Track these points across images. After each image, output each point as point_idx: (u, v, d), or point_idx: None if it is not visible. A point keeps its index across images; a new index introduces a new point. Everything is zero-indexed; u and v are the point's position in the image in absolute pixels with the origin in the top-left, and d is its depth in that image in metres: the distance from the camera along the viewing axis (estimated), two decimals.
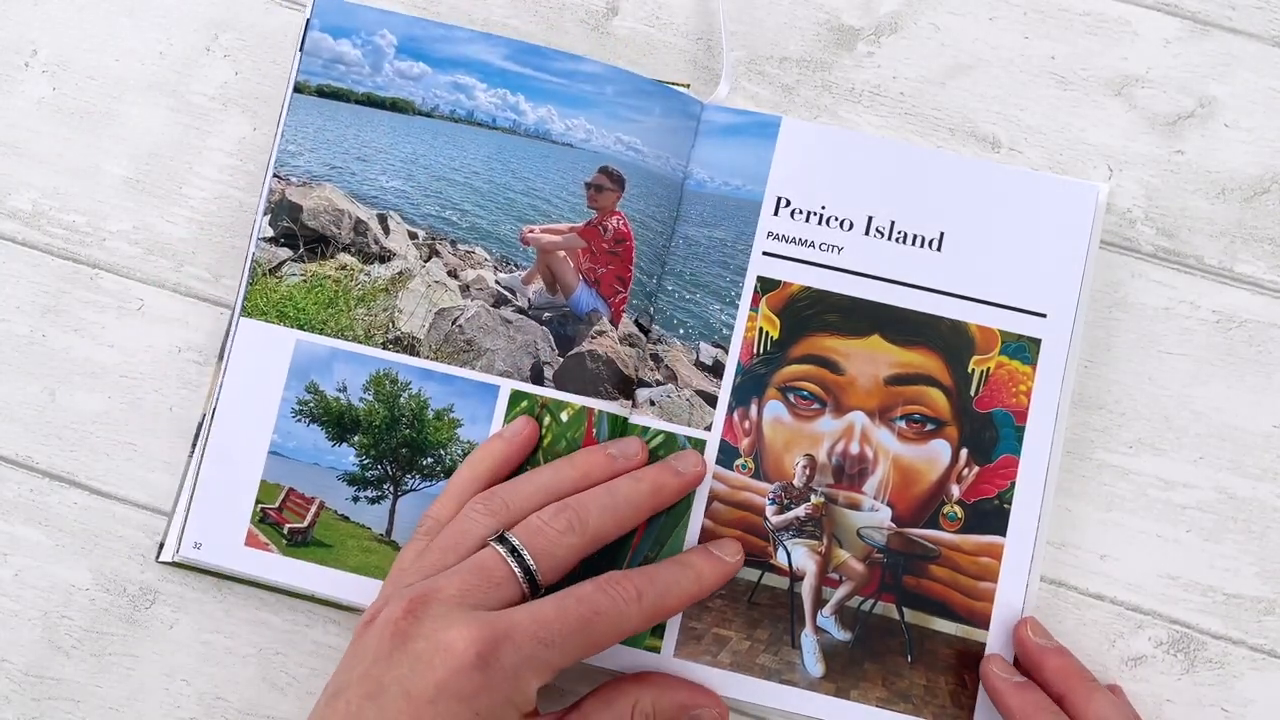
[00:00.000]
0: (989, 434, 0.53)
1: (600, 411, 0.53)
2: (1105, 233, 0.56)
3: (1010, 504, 0.52)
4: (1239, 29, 0.57)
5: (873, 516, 0.52)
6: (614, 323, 0.54)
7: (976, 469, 0.53)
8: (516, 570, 0.45)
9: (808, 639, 0.51)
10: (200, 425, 0.54)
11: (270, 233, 0.55)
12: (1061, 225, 0.54)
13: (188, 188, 0.57)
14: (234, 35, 0.58)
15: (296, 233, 0.55)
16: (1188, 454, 0.54)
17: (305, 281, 0.54)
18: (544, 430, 0.52)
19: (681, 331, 0.54)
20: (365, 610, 0.47)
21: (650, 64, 0.58)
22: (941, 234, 0.54)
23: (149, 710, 0.53)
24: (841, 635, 0.51)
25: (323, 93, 0.55)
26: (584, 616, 0.44)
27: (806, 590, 0.52)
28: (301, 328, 0.54)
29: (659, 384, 0.53)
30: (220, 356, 0.54)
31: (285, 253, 0.54)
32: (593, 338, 0.53)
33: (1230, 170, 0.56)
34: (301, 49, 0.56)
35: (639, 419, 0.53)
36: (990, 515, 0.52)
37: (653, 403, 0.53)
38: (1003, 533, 0.52)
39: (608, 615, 0.44)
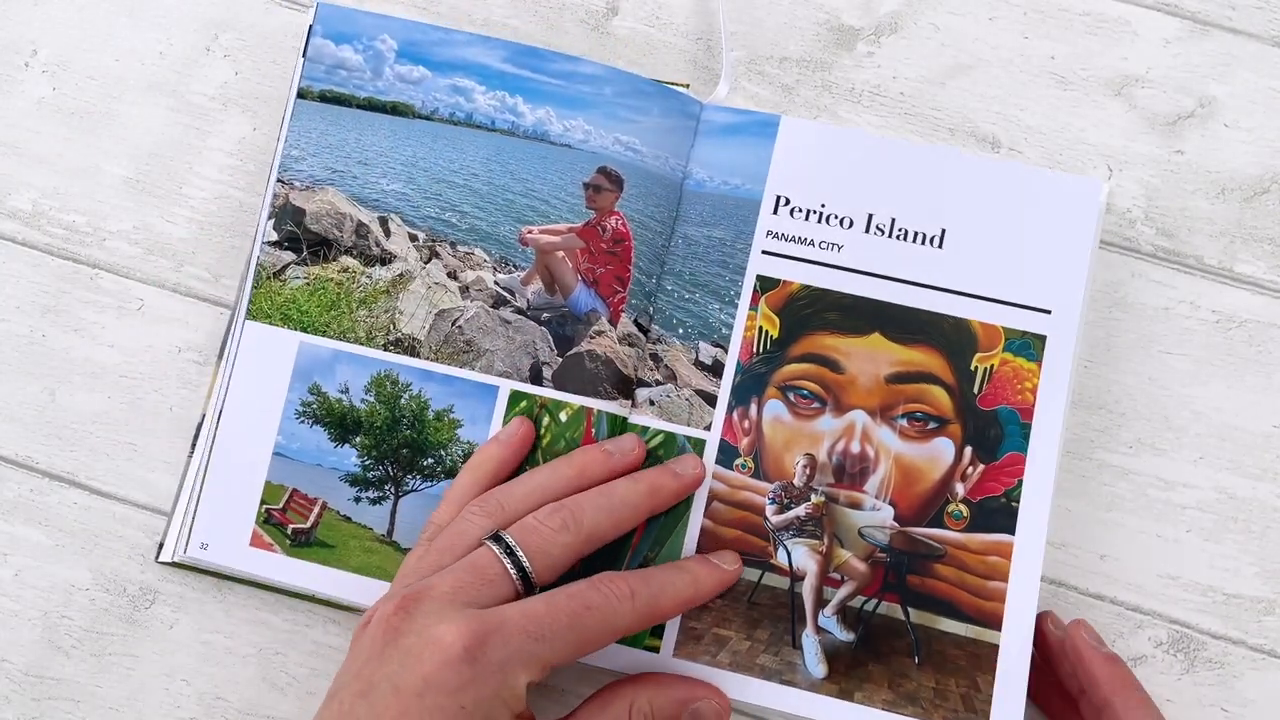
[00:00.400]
0: (994, 431, 0.52)
1: (599, 411, 0.53)
2: (1105, 233, 0.56)
3: (1018, 502, 0.52)
4: (1239, 29, 0.57)
5: (874, 516, 0.52)
6: (613, 323, 0.54)
7: (981, 467, 0.52)
8: (510, 568, 0.45)
9: (809, 639, 0.51)
10: (200, 425, 0.54)
11: (274, 236, 0.55)
12: (1065, 221, 0.53)
13: (188, 188, 0.57)
14: (234, 35, 0.58)
15: (300, 236, 0.55)
16: (1188, 454, 0.54)
17: (308, 284, 0.54)
18: (543, 430, 0.52)
19: (681, 331, 0.54)
20: (366, 611, 0.47)
21: (650, 64, 0.58)
22: (943, 231, 0.54)
23: (149, 710, 0.53)
24: (844, 636, 0.51)
25: (325, 98, 0.56)
26: (575, 611, 0.44)
27: (807, 590, 0.51)
28: (305, 330, 0.54)
29: (658, 384, 0.53)
30: (220, 356, 0.54)
31: (289, 256, 0.55)
32: (591, 338, 0.53)
33: (1230, 170, 0.56)
34: (304, 55, 0.56)
35: (638, 419, 0.53)
36: (997, 513, 0.51)
37: (652, 402, 0.53)
38: (1011, 531, 0.51)
39: (599, 611, 0.44)
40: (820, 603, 0.51)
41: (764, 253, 0.54)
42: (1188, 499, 0.54)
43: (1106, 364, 0.55)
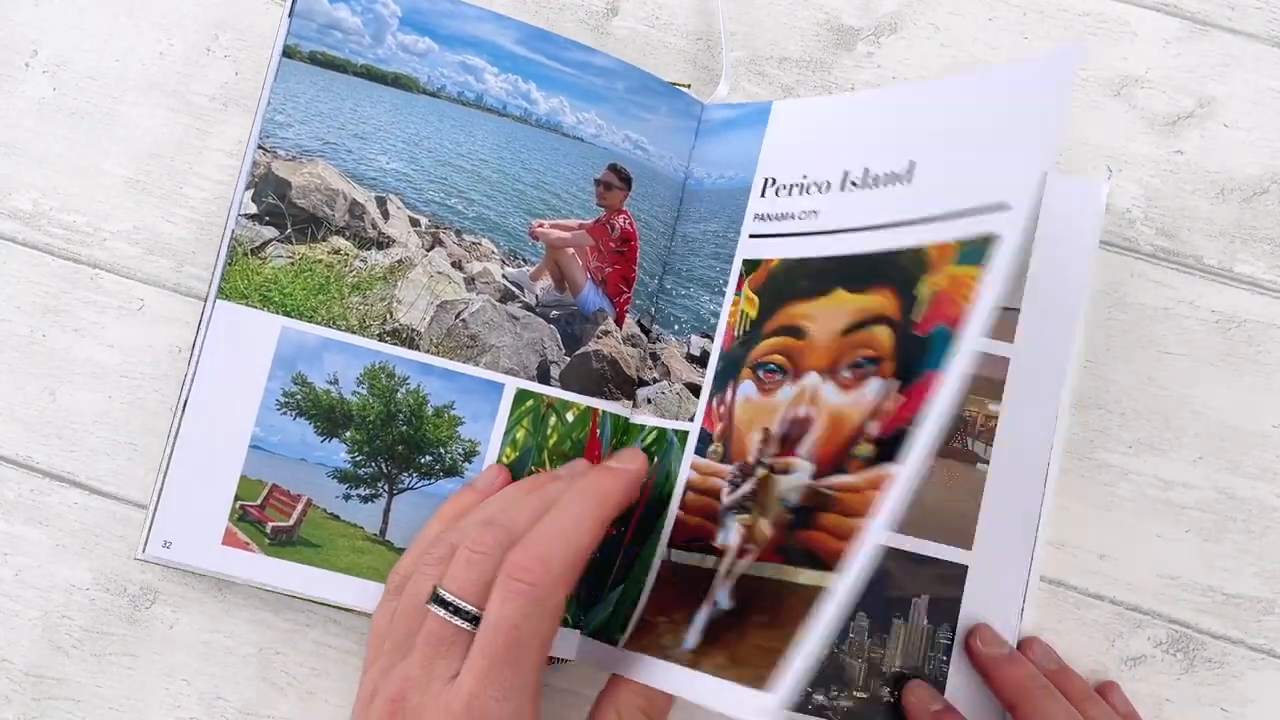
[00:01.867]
0: (923, 356, 0.44)
1: (604, 411, 0.52)
2: (1105, 233, 0.56)
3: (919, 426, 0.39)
4: (1239, 29, 0.57)
5: (794, 478, 0.47)
6: (618, 323, 0.53)
7: (902, 399, 0.44)
8: (462, 624, 0.43)
9: (702, 613, 0.47)
10: None
11: (253, 209, 0.51)
12: (1030, 108, 0.43)
13: (188, 188, 0.57)
14: (234, 35, 0.58)
15: (284, 211, 0.52)
16: (1187, 454, 0.54)
17: (293, 265, 0.51)
18: (550, 430, 0.52)
19: (676, 327, 0.53)
20: (362, 612, 0.47)
21: (650, 64, 0.58)
22: (911, 164, 0.47)
23: (149, 710, 0.53)
24: (727, 605, 0.46)
25: (316, 60, 0.52)
26: (508, 641, 0.42)
27: (723, 566, 0.48)
28: (288, 314, 0.51)
29: (655, 382, 0.53)
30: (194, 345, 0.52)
31: (270, 232, 0.51)
32: (598, 337, 0.53)
33: (1230, 170, 0.56)
34: (292, 12, 0.52)
35: (639, 418, 0.53)
36: (897, 443, 0.42)
37: (649, 401, 0.53)
38: (897, 458, 0.41)
39: (528, 618, 0.42)
40: (730, 576, 0.47)
41: (751, 236, 0.52)
42: (1187, 499, 0.54)
43: (1106, 364, 0.55)
